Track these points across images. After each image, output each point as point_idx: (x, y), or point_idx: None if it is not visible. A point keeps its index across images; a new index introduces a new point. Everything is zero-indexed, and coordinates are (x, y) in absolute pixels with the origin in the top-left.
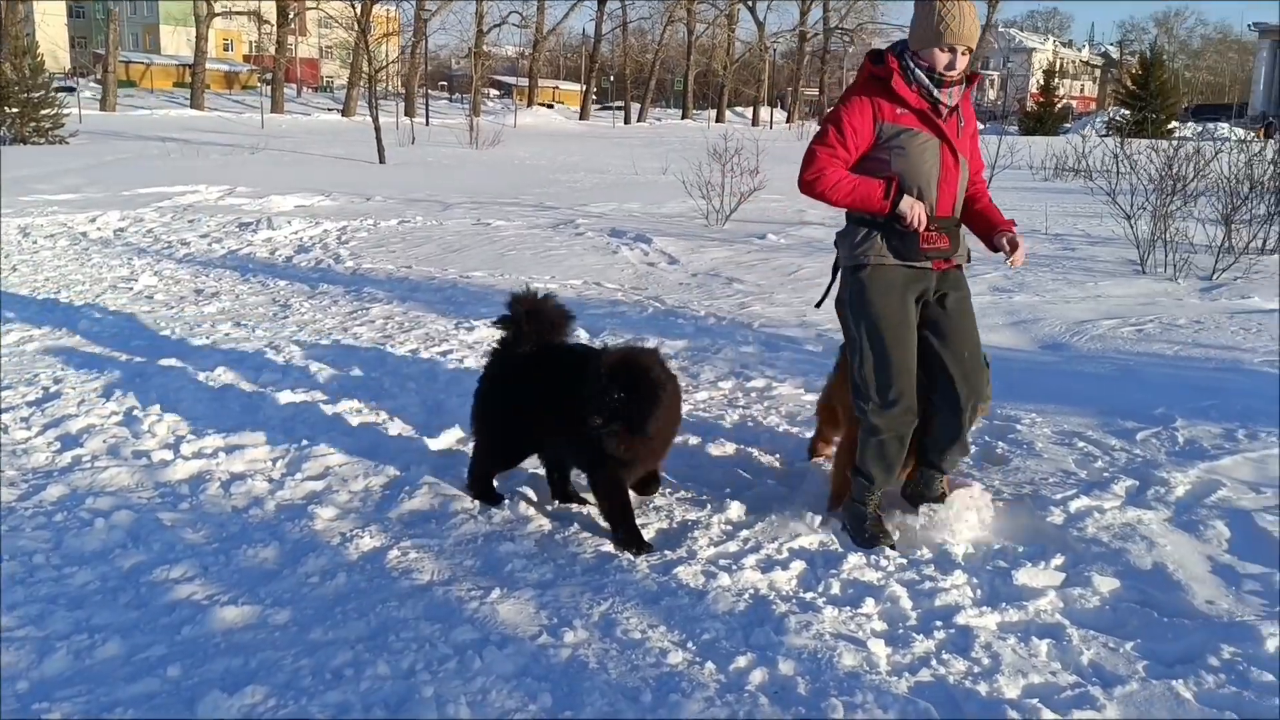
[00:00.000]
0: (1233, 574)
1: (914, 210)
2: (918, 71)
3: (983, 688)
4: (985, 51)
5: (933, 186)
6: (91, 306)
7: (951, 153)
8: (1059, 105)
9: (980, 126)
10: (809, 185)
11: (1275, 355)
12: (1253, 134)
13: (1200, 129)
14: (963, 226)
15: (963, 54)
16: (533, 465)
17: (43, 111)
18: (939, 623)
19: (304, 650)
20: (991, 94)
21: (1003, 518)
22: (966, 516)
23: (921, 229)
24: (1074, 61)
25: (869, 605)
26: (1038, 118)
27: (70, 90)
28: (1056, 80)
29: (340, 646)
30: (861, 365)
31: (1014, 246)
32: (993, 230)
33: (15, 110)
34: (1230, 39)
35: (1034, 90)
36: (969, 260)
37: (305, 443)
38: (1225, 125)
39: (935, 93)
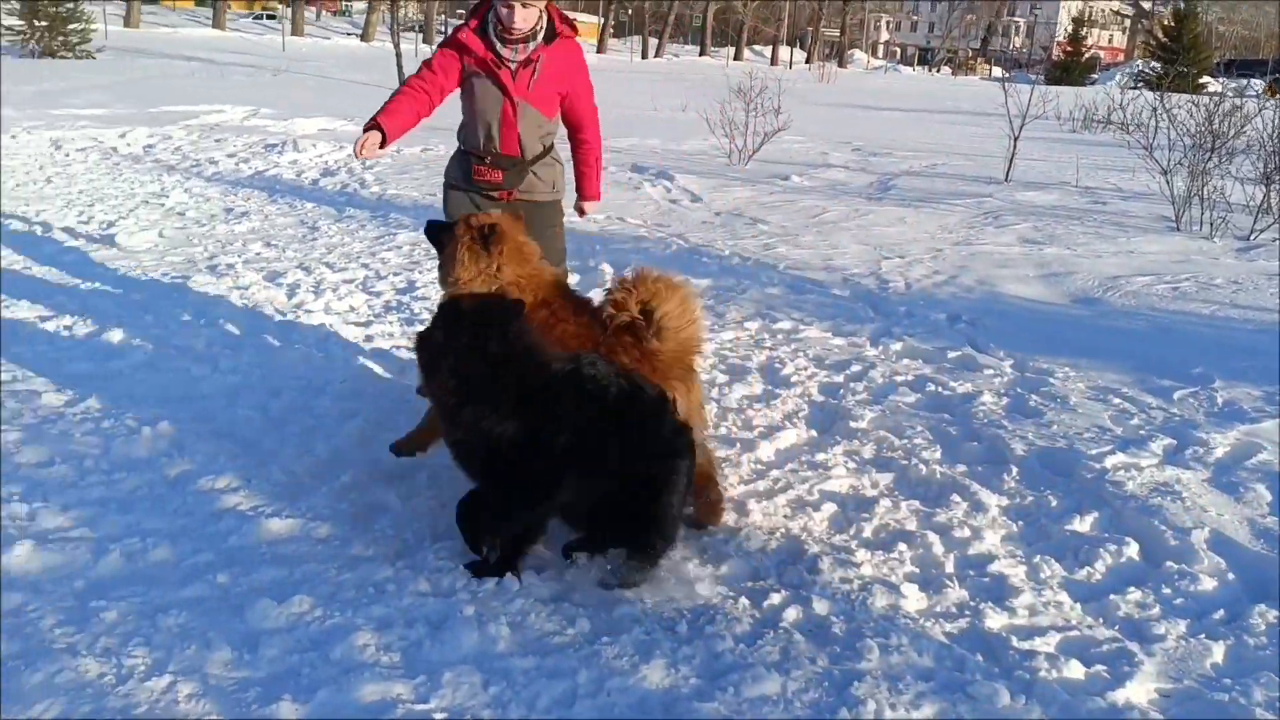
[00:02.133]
0: (1272, 537)
1: (356, 144)
2: (491, 26)
3: (1016, 639)
4: None
5: (495, 127)
6: (125, 220)
7: (510, 103)
8: (1086, 55)
9: (1001, 74)
10: None
11: None
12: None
13: (1240, 84)
14: (554, 168)
15: (522, 8)
16: None
17: (70, 26)
18: (972, 571)
19: (346, 564)
20: (1017, 41)
21: (1036, 469)
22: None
23: (363, 155)
24: (1104, 10)
25: (901, 550)
26: (1064, 67)
27: None
28: (1085, 30)
29: (380, 562)
30: None
31: (580, 214)
32: (579, 198)
33: (44, 24)
34: None
35: (1061, 39)
36: (556, 195)
37: (340, 362)
38: (1259, 81)
39: (499, 47)
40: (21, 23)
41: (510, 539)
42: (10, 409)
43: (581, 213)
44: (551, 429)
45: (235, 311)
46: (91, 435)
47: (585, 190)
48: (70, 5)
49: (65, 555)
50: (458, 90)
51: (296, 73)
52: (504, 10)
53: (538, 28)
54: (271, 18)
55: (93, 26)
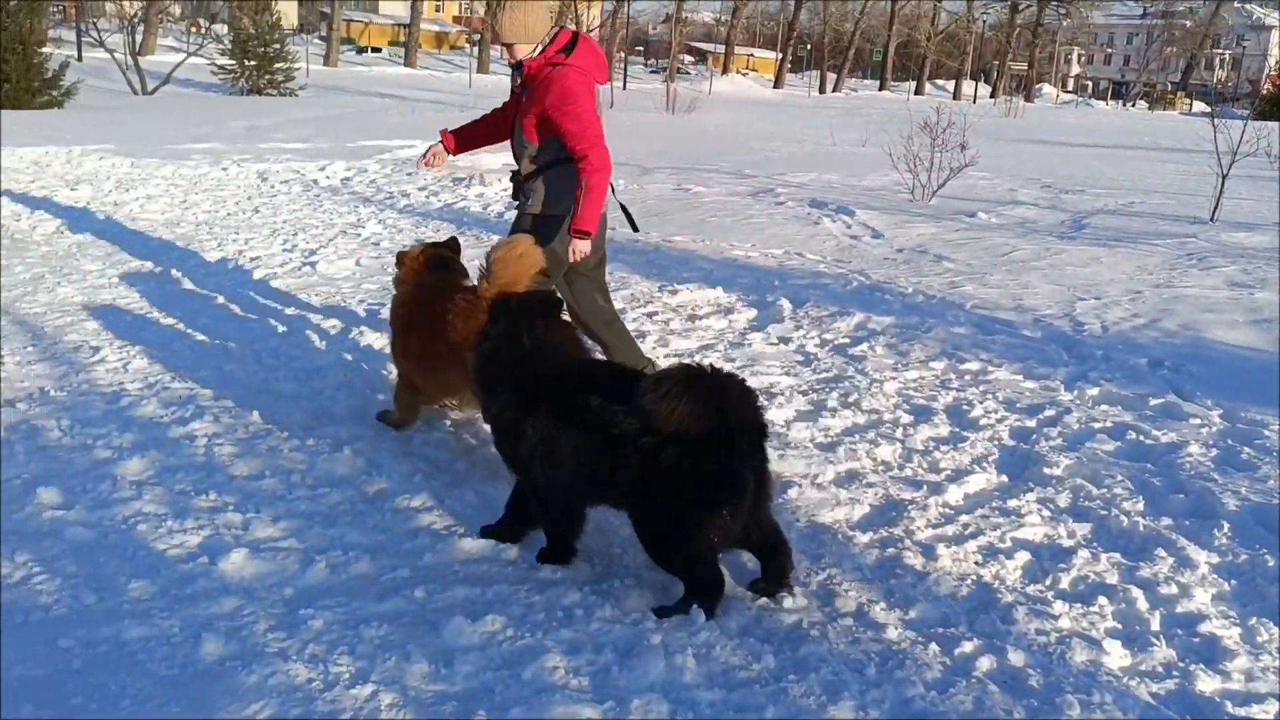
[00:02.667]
0: None
1: (422, 156)
2: None
3: (1231, 705)
4: (1216, 29)
5: (511, 146)
6: (325, 248)
7: (513, 124)
8: None
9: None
10: None
11: None
12: None
13: None
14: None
15: (505, 48)
16: None
17: (276, 65)
18: (1181, 630)
19: (535, 587)
20: (1221, 74)
21: (1250, 526)
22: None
23: (426, 166)
24: None
25: (1102, 604)
26: (1276, 102)
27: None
28: None
29: (568, 586)
30: None
31: (568, 248)
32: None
33: (253, 63)
34: None
35: (1273, 71)
36: (547, 211)
37: None
38: None
39: (514, 74)
40: (233, 62)
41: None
42: (225, 424)
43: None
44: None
45: None
46: (297, 451)
47: (574, 217)
48: (277, 46)
49: (276, 564)
50: None
51: (482, 109)
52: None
53: (533, 56)
54: (376, 50)
55: (296, 65)
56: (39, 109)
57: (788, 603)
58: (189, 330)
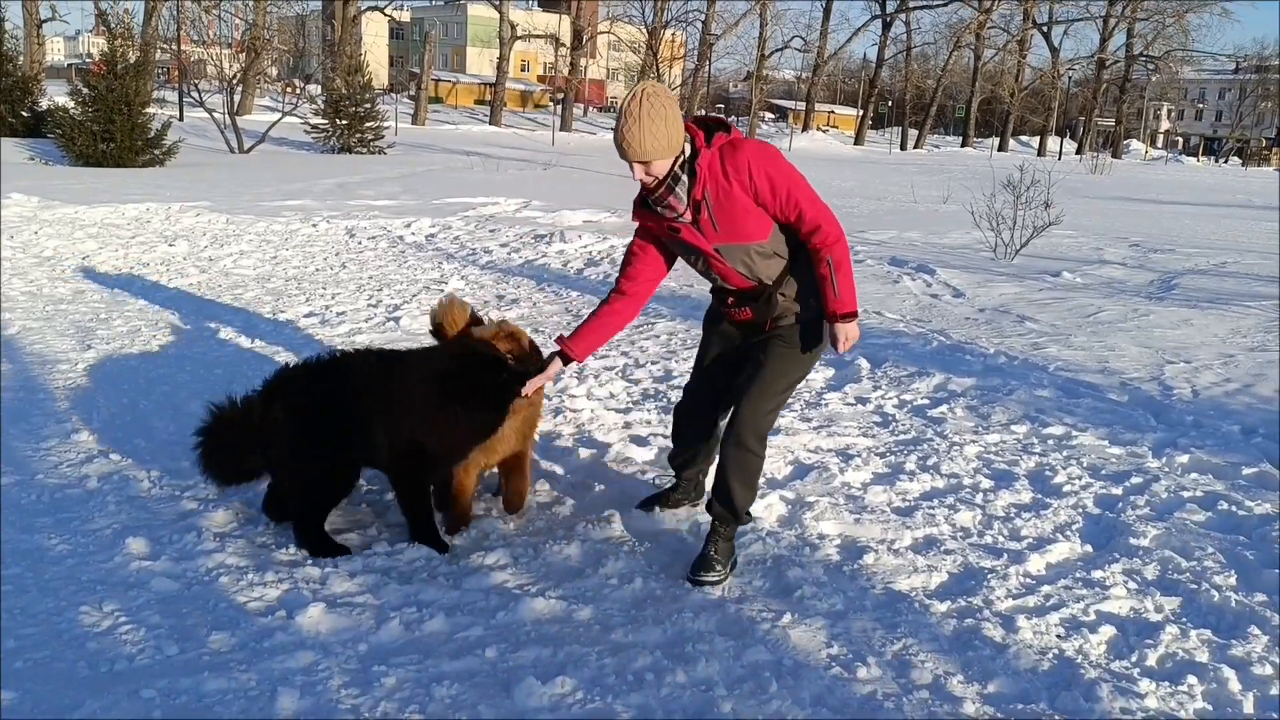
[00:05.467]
0: None
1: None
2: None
3: None
4: None
5: (712, 276)
6: (410, 304)
7: (713, 254)
8: None
9: (1191, 161)
10: None
11: None
12: None
13: None
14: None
15: (641, 167)
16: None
17: (367, 124)
18: (1276, 714)
19: (607, 649)
20: None
21: None
22: None
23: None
24: None
25: (1191, 683)
26: None
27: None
28: None
29: (640, 650)
30: None
31: (833, 340)
32: (827, 316)
33: (344, 122)
34: None
35: None
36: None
37: (604, 447)
38: None
39: (660, 212)
40: (325, 121)
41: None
42: None
43: (834, 340)
44: None
45: None
46: (376, 507)
47: (826, 304)
48: (368, 105)
49: (351, 619)
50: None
51: (564, 166)
52: (632, 173)
53: (675, 169)
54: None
55: (385, 124)
56: (142, 166)
57: (861, 673)
58: None
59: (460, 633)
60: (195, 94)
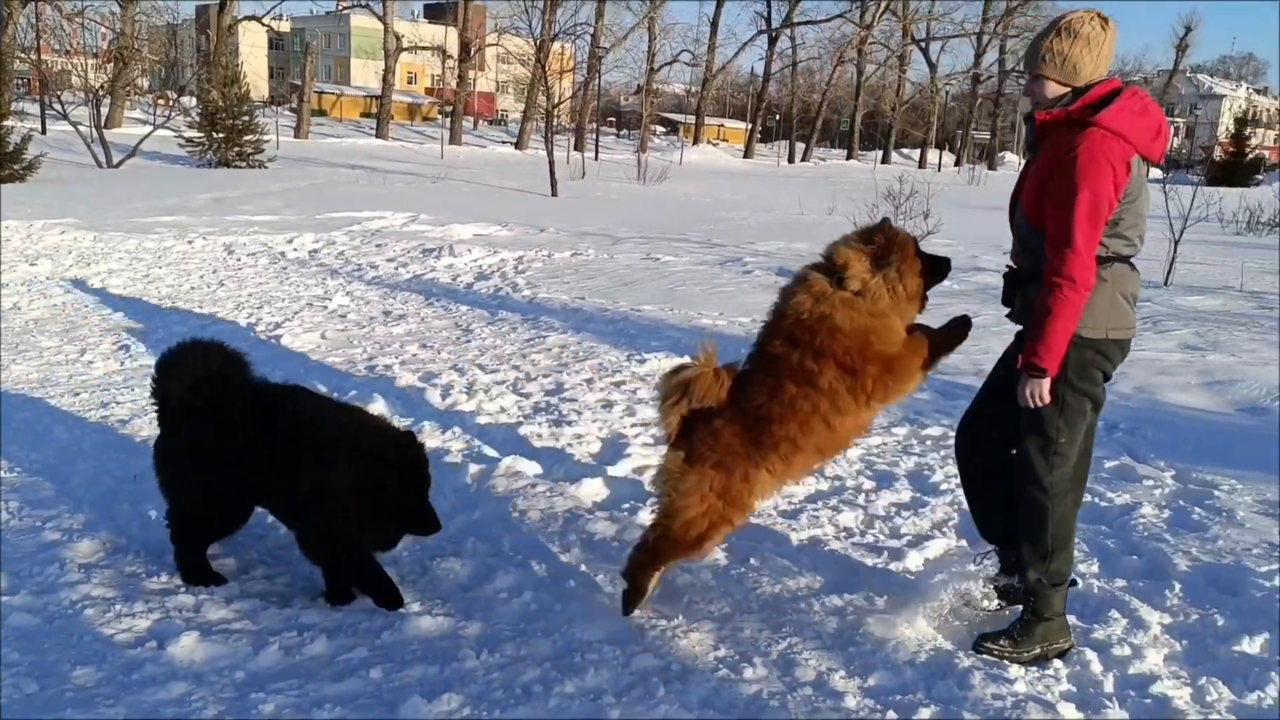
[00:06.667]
0: None
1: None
2: None
3: None
4: (1170, 98)
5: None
6: (291, 322)
7: (1011, 198)
8: (1250, 156)
9: (1158, 175)
10: None
11: None
12: None
13: None
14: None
15: (1032, 80)
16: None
17: (245, 137)
18: (1133, 691)
19: (495, 664)
20: (1176, 142)
21: (1201, 586)
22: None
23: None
24: (1268, 110)
25: (1057, 667)
26: (1227, 168)
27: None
28: (1249, 129)
29: (530, 664)
30: None
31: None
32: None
33: (221, 135)
34: None
35: (1223, 139)
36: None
37: (493, 461)
38: None
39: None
40: (201, 135)
41: None
42: None
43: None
44: None
45: (393, 409)
46: (254, 530)
47: (1025, 340)
48: (246, 118)
49: (228, 647)
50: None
51: (454, 180)
52: None
53: (1055, 107)
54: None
55: (265, 137)
56: (0, 183)
57: (748, 673)
58: (146, 407)
59: (343, 655)
60: (58, 106)
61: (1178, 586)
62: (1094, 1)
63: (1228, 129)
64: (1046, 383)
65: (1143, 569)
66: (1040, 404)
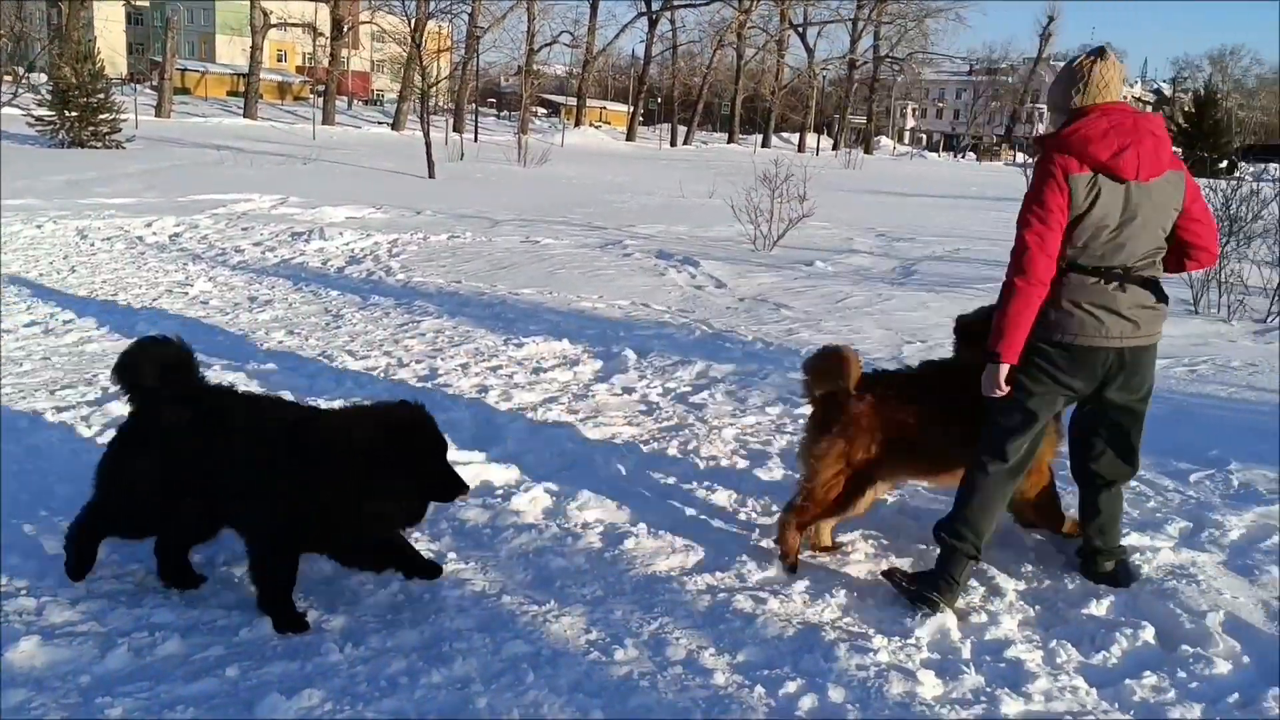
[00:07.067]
0: None
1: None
2: None
3: None
4: (1036, 84)
5: None
6: (149, 310)
7: None
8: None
9: (1025, 160)
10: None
11: None
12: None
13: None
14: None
15: None
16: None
17: (101, 116)
18: (989, 656)
19: (360, 657)
20: (1040, 127)
21: (1053, 554)
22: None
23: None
24: (1126, 97)
25: (919, 636)
26: None
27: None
28: None
29: (396, 655)
30: None
31: None
32: None
33: (74, 114)
34: None
35: None
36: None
37: None
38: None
39: None
40: (52, 113)
41: None
42: (21, 501)
43: None
44: None
45: None
46: None
47: None
48: (101, 96)
49: (72, 650)
50: None
51: (326, 161)
52: None
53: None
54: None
55: (123, 116)
56: None
57: (619, 655)
58: None
59: (198, 654)
60: None
61: (1033, 554)
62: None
63: None
64: (998, 369)
65: (999, 539)
66: (992, 389)
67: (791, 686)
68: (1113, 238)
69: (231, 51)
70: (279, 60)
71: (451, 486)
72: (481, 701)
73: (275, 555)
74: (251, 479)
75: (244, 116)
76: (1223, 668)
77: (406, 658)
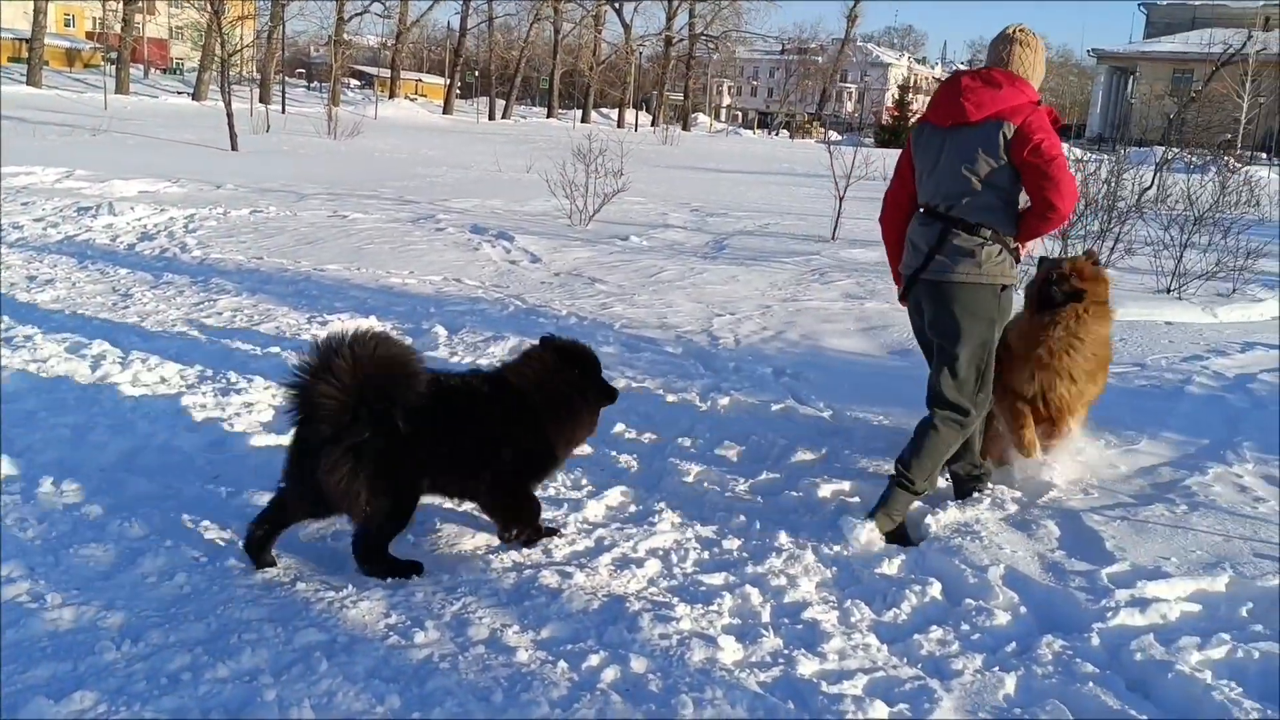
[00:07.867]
0: (1061, 570)
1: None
2: None
3: (826, 684)
4: (844, 64)
5: None
6: None
7: None
8: (913, 120)
9: (836, 137)
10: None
11: None
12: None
13: None
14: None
15: None
16: None
17: None
18: (787, 619)
19: (139, 654)
20: (849, 106)
21: (847, 512)
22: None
23: None
24: (927, 78)
25: (720, 602)
26: (893, 130)
27: None
28: (910, 95)
29: (177, 650)
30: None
31: None
32: None
33: None
34: (1071, 63)
35: (889, 104)
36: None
37: (146, 438)
38: (1065, 145)
39: None
40: None
41: None
42: None
43: None
44: None
45: (31, 386)
46: None
47: None
48: None
49: None
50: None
51: (119, 132)
52: None
53: None
54: None
55: None
56: None
57: (419, 638)
58: None
59: None
60: None
61: (830, 518)
62: None
63: (893, 95)
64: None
65: (800, 504)
66: None
67: (595, 659)
68: (922, 180)
69: (13, 15)
70: (66, 25)
71: (613, 392)
72: (271, 694)
73: (521, 493)
74: (482, 438)
75: (27, 84)
76: (1002, 619)
77: (190, 652)
